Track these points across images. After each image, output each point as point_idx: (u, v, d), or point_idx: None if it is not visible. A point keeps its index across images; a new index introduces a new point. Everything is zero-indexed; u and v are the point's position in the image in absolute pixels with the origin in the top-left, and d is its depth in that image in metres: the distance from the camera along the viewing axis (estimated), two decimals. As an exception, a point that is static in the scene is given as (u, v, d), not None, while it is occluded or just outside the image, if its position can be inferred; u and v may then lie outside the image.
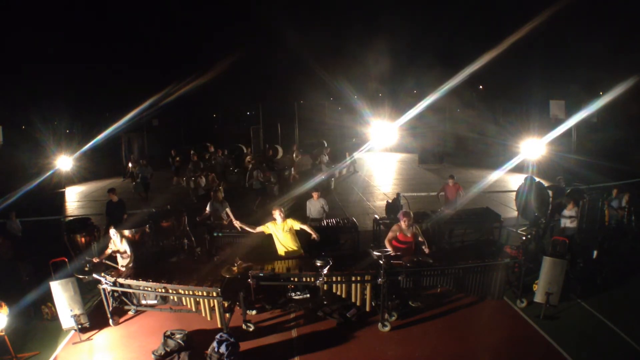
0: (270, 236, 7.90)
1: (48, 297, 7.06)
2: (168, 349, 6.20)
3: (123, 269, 7.45)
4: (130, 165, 18.31)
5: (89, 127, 22.68)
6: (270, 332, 6.82)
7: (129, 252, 7.61)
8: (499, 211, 10.57)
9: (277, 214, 7.71)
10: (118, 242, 7.59)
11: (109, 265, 7.45)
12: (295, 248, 7.76)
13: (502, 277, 7.13)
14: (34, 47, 24.99)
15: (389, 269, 6.72)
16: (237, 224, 8.31)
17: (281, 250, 7.78)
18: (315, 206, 10.13)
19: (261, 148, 20.98)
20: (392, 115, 24.77)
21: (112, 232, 7.66)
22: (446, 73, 21.94)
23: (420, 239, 7.58)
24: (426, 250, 7.44)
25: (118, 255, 7.67)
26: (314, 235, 7.67)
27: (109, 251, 7.66)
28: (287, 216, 7.79)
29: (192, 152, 17.65)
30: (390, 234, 7.58)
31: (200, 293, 6.62)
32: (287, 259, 7.53)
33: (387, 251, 6.76)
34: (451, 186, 10.89)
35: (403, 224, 7.50)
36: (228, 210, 9.93)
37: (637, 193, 10.21)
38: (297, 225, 7.78)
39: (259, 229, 7.86)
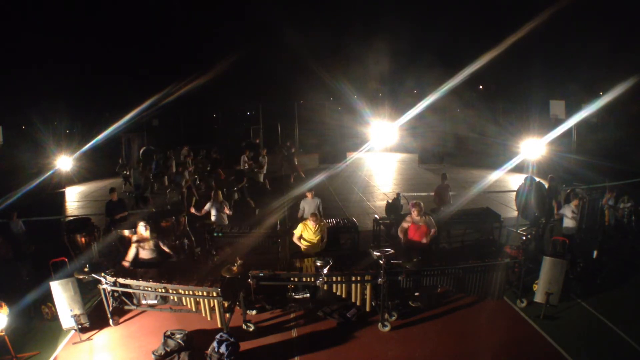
0: (271, 236, 7.97)
1: (48, 297, 7.05)
2: (168, 349, 6.20)
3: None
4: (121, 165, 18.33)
5: (89, 127, 22.68)
6: (270, 332, 6.81)
7: (159, 240, 7.81)
8: (499, 211, 10.57)
9: (312, 220, 7.97)
10: (146, 235, 7.70)
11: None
12: (317, 242, 8.04)
13: (502, 277, 7.13)
14: (34, 47, 24.99)
15: (389, 269, 6.72)
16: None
17: (306, 243, 8.03)
18: (310, 206, 10.03)
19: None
20: (392, 115, 24.79)
21: (141, 225, 7.74)
22: (446, 73, 21.95)
23: (432, 231, 7.76)
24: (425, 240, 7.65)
25: (141, 250, 7.67)
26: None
27: (133, 250, 7.67)
28: (319, 221, 8.09)
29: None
30: (402, 225, 7.78)
31: (200, 293, 6.62)
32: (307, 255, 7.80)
33: (387, 251, 6.77)
34: (443, 188, 10.87)
35: (414, 214, 7.66)
36: (227, 210, 9.95)
37: (637, 193, 10.22)
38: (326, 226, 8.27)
39: (297, 234, 8.13)
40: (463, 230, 10.08)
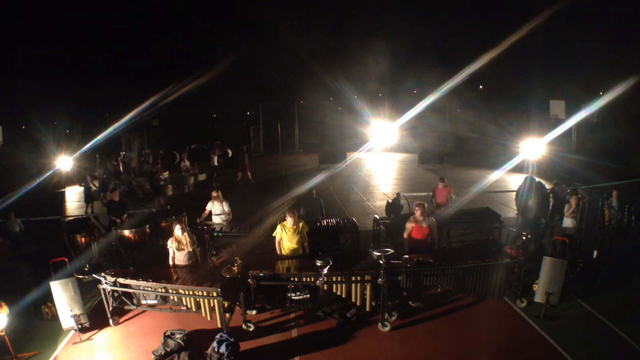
0: (271, 236, 7.94)
1: (48, 297, 7.05)
2: (168, 349, 6.20)
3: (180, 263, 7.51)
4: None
5: (89, 127, 22.70)
6: (270, 332, 6.81)
7: (196, 243, 7.66)
8: (499, 211, 10.57)
9: (289, 216, 7.63)
10: (183, 240, 7.53)
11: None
12: (298, 247, 7.73)
13: (502, 277, 7.12)
14: (35, 47, 24.98)
15: (389, 269, 6.72)
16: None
17: (286, 249, 7.74)
18: (312, 205, 10.05)
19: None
20: (392, 115, 24.81)
21: (177, 228, 7.53)
22: (446, 73, 21.97)
23: (434, 234, 7.77)
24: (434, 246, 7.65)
25: (177, 253, 7.55)
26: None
27: (170, 254, 7.60)
28: (298, 219, 7.76)
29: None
30: (407, 227, 7.73)
31: (200, 293, 6.62)
32: (288, 258, 7.54)
33: (387, 251, 6.77)
34: (441, 189, 10.78)
35: (418, 214, 7.65)
36: (227, 209, 9.95)
37: (637, 192, 10.20)
38: (305, 228, 7.77)
39: (277, 237, 7.77)
40: (463, 230, 10.07)
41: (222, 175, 17.96)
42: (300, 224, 7.71)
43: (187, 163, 18.33)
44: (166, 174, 18.40)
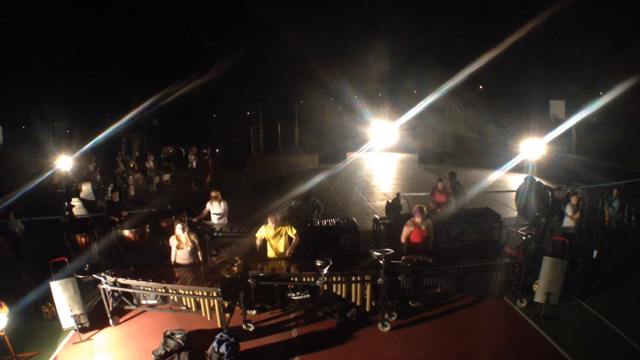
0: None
1: (48, 297, 7.05)
2: (168, 349, 6.20)
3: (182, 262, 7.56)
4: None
5: (89, 127, 22.71)
6: (270, 332, 6.81)
7: (197, 242, 7.70)
8: (499, 211, 10.57)
9: (270, 220, 7.58)
10: (183, 239, 7.57)
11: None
12: (284, 250, 7.65)
13: (502, 277, 7.13)
14: (35, 47, 25.00)
15: (389, 269, 6.72)
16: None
17: (270, 253, 7.70)
18: (306, 207, 10.03)
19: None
20: (392, 115, 24.81)
21: (179, 227, 7.57)
22: (446, 73, 21.97)
23: (431, 236, 7.82)
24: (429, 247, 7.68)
25: (178, 251, 7.60)
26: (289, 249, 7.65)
27: (172, 252, 7.62)
28: (282, 222, 7.71)
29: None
30: (405, 230, 7.73)
31: (200, 293, 6.62)
32: (272, 260, 7.53)
33: (387, 251, 6.77)
34: (441, 189, 10.72)
35: (417, 219, 7.68)
36: (224, 208, 9.95)
37: (637, 193, 10.20)
38: (291, 232, 7.69)
39: (258, 239, 7.72)
40: (463, 230, 10.06)
41: (200, 178, 17.56)
42: (284, 228, 7.62)
43: (152, 164, 18.26)
44: (138, 176, 18.43)
